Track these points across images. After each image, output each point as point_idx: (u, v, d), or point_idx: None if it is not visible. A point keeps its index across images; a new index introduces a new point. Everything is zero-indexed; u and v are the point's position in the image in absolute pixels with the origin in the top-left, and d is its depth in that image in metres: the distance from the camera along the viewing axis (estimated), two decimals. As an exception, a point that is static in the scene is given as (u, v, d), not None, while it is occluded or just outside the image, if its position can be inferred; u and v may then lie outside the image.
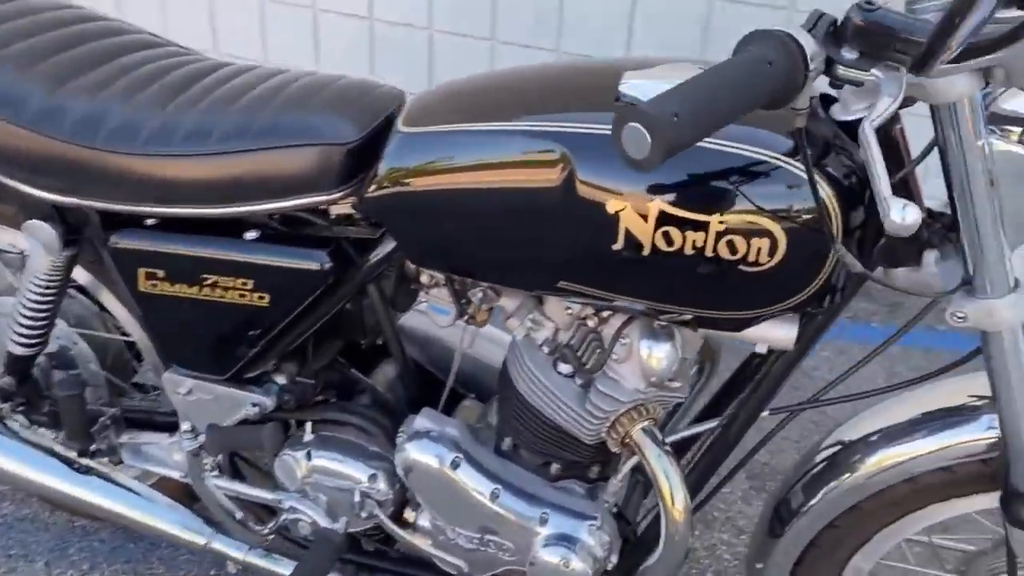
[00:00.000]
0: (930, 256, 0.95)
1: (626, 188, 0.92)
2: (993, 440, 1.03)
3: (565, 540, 1.16)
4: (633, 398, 1.08)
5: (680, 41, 2.56)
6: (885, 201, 0.72)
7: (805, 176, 0.88)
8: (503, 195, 0.98)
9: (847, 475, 1.14)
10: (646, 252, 0.93)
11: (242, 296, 1.15)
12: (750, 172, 0.90)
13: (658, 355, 1.05)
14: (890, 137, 0.92)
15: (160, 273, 1.17)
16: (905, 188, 0.92)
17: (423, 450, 1.19)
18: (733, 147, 0.90)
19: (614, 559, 1.19)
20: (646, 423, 1.09)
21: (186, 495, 1.49)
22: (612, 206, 0.93)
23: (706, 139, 0.90)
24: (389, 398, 1.34)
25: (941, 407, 1.10)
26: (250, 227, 1.15)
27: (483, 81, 1.09)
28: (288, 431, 1.32)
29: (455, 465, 1.18)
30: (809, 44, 0.70)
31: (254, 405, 1.25)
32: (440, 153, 1.02)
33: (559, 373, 1.12)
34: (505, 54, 2.81)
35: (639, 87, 0.93)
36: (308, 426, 1.29)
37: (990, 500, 1.07)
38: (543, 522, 1.16)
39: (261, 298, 1.15)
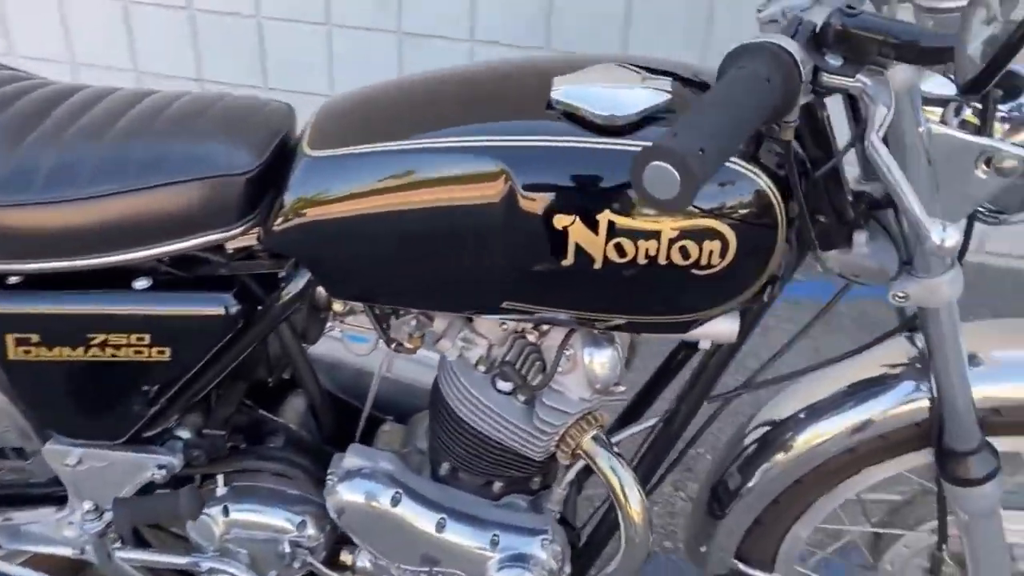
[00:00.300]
0: (860, 237, 0.96)
1: (573, 202, 0.87)
2: (921, 404, 1.07)
3: (519, 560, 1.11)
4: (580, 408, 1.05)
5: (525, 18, 2.53)
6: (922, 223, 0.70)
7: (748, 174, 0.87)
8: (439, 217, 0.91)
9: (782, 453, 1.17)
10: (598, 265, 0.89)
11: (138, 353, 1.02)
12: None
13: (602, 362, 1.02)
14: (817, 125, 0.93)
15: (34, 338, 1.01)
16: (835, 175, 0.93)
17: (358, 490, 1.11)
18: None
19: (568, 569, 1.16)
20: (596, 431, 1.06)
21: (65, 567, 1.34)
22: (560, 221, 0.88)
23: (644, 143, 0.87)
24: (304, 435, 1.25)
25: (861, 379, 1.13)
26: (139, 275, 1.02)
27: (396, 92, 1.01)
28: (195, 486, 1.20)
29: (395, 501, 1.11)
30: (799, 54, 0.67)
31: (160, 467, 1.12)
32: (358, 177, 0.93)
33: (499, 391, 1.07)
34: (344, 39, 2.68)
35: (572, 93, 0.89)
36: (220, 479, 1.17)
37: (920, 457, 1.12)
38: (494, 545, 1.11)
39: (161, 352, 1.02)
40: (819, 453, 1.14)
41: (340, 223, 0.94)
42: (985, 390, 1.04)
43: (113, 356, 1.02)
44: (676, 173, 0.57)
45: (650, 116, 0.87)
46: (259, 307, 1.04)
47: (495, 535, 1.12)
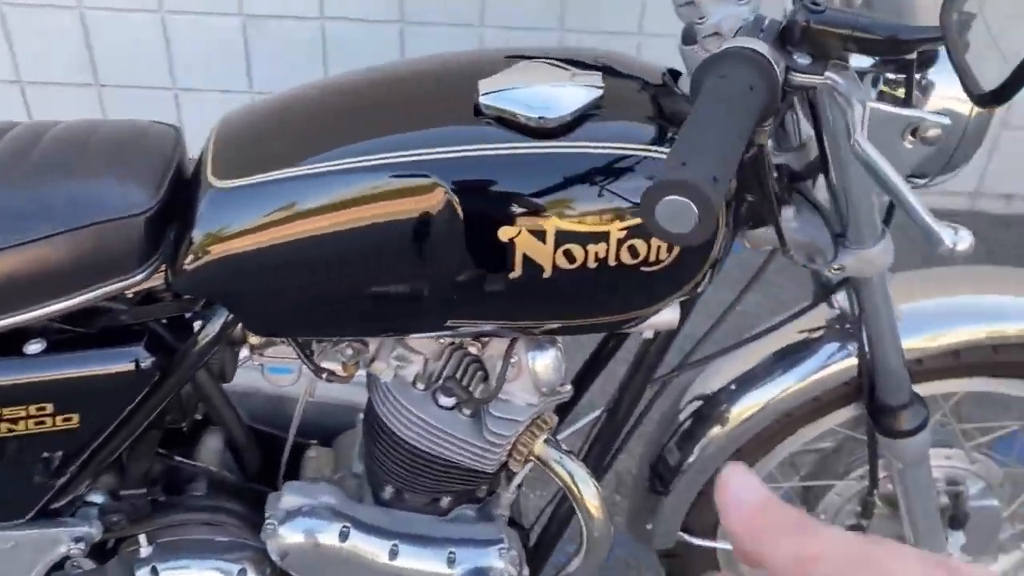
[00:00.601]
0: (788, 211, 0.97)
1: (517, 211, 0.83)
2: (847, 364, 1.11)
3: (479, 574, 1.08)
4: (529, 414, 1.02)
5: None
6: (930, 228, 0.69)
7: None
8: (373, 241, 0.85)
9: (718, 427, 1.19)
10: (547, 274, 0.86)
11: (40, 424, 0.91)
12: (636, 170, 0.85)
13: (547, 364, 1.00)
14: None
15: None
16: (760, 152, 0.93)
17: (302, 530, 1.04)
18: (612, 148, 0.84)
19: (526, 572, 1.14)
20: (546, 435, 1.03)
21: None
22: (505, 233, 0.84)
23: (581, 144, 0.84)
24: (226, 476, 1.16)
25: (786, 346, 1.16)
26: (31, 337, 0.90)
27: (303, 104, 0.92)
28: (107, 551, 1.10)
29: (344, 536, 1.04)
30: (773, 56, 0.65)
31: (76, 540, 1.01)
32: (276, 205, 0.85)
33: (441, 407, 1.02)
34: (181, 26, 2.48)
35: (501, 96, 0.84)
36: (143, 539, 1.08)
37: (849, 411, 1.16)
38: (452, 563, 1.08)
39: (67, 420, 0.91)
40: (755, 422, 1.16)
41: (262, 256, 0.86)
42: (906, 343, 1.09)
43: (11, 431, 0.90)
44: (694, 206, 0.54)
45: (584, 114, 0.84)
46: (174, 354, 0.95)
47: (451, 552, 1.08)
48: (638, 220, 0.85)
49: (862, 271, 0.94)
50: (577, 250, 0.85)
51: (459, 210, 0.83)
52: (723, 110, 0.58)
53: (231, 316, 0.92)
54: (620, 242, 0.85)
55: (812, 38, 0.68)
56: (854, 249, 0.92)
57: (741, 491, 0.35)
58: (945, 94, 0.89)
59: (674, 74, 0.94)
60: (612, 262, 0.86)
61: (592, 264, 0.86)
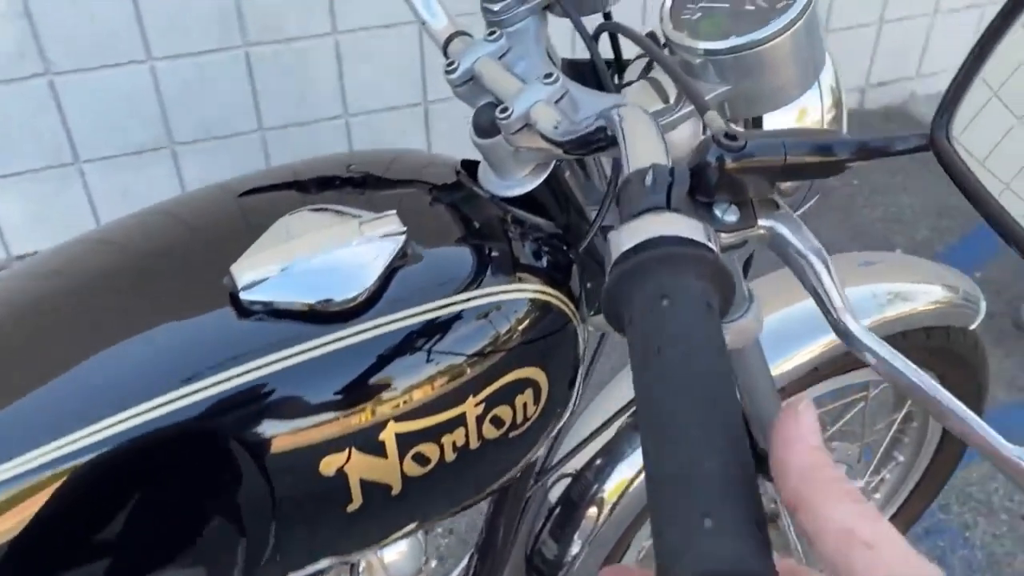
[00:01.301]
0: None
1: (337, 432, 0.60)
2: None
3: None
4: (399, 615, 0.81)
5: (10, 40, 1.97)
6: (1004, 456, 0.50)
7: (508, 295, 0.66)
8: (143, 527, 0.58)
9: (594, 509, 1.04)
10: (397, 490, 0.64)
11: None
12: (470, 322, 0.65)
13: (404, 551, 0.80)
14: (561, 189, 0.75)
15: None
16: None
17: None
18: (436, 307, 0.64)
19: None
20: (424, 631, 0.83)
21: None
22: (329, 465, 0.60)
23: (396, 315, 0.62)
24: None
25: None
26: None
27: None
28: None
29: None
30: (705, 234, 0.44)
31: None
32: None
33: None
34: None
35: (270, 287, 0.59)
36: None
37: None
38: None
39: None
40: (632, 496, 1.03)
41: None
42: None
43: None
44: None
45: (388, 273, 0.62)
46: None
47: None
48: (492, 388, 0.65)
49: (735, 343, 0.81)
50: (430, 449, 0.63)
51: (253, 459, 0.58)
52: (696, 368, 0.38)
53: None
54: (480, 419, 0.65)
55: (733, 182, 0.50)
56: (725, 324, 0.78)
57: (805, 430, 0.35)
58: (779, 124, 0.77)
59: (468, 166, 0.74)
60: (475, 444, 0.66)
61: (451, 456, 0.65)
